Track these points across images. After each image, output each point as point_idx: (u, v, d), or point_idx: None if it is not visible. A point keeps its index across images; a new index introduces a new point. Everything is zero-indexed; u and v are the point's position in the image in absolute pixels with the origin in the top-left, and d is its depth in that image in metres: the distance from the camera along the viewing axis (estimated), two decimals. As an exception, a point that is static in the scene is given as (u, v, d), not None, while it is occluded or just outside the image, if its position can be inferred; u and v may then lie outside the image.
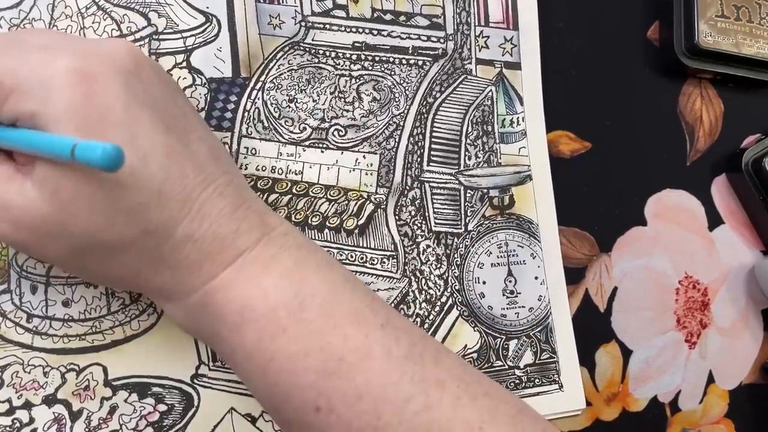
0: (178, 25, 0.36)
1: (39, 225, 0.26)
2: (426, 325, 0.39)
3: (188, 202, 0.27)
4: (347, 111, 0.39)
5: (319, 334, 0.27)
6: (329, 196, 0.38)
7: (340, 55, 0.39)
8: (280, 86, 0.38)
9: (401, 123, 0.40)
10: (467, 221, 0.40)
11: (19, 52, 0.26)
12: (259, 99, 0.38)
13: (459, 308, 0.40)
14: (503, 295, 0.40)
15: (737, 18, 0.43)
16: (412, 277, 0.39)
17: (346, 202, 0.39)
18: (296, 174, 0.38)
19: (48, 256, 0.28)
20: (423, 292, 0.39)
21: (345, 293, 0.29)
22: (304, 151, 0.38)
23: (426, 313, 0.39)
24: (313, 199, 0.38)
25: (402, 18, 0.40)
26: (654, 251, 0.44)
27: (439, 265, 0.40)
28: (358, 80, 0.39)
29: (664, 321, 0.44)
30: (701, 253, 0.45)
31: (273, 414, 0.30)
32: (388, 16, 0.40)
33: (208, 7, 0.37)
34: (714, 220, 0.45)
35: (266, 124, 0.38)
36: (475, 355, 0.40)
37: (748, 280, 0.45)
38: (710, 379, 0.44)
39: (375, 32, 0.40)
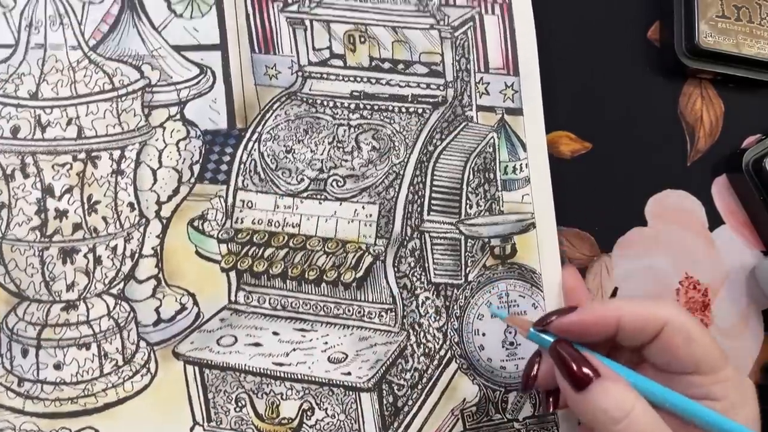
0: (171, 77, 0.36)
1: None
2: (424, 379, 0.39)
3: None
4: (346, 161, 0.38)
5: None
6: (327, 249, 0.38)
7: (338, 104, 0.38)
8: (277, 137, 0.37)
9: (401, 172, 0.39)
10: (467, 272, 0.40)
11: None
12: (255, 150, 0.37)
13: (458, 361, 0.39)
14: (503, 346, 0.40)
15: (738, 18, 0.43)
16: (411, 331, 0.39)
17: (345, 254, 0.38)
18: (293, 227, 0.37)
19: None
20: (421, 345, 0.39)
21: None
22: (302, 202, 0.38)
23: (424, 367, 0.39)
24: (310, 253, 0.38)
25: (400, 66, 0.39)
26: (654, 251, 0.43)
27: (438, 318, 0.39)
28: (356, 129, 0.39)
29: (665, 321, 0.43)
30: (701, 254, 0.44)
31: None
32: (386, 65, 0.39)
33: (202, 59, 0.36)
34: (714, 220, 0.45)
35: (263, 176, 0.37)
36: (474, 409, 0.39)
37: (748, 281, 0.45)
38: (711, 380, 0.44)
39: (373, 81, 0.39)
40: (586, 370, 0.30)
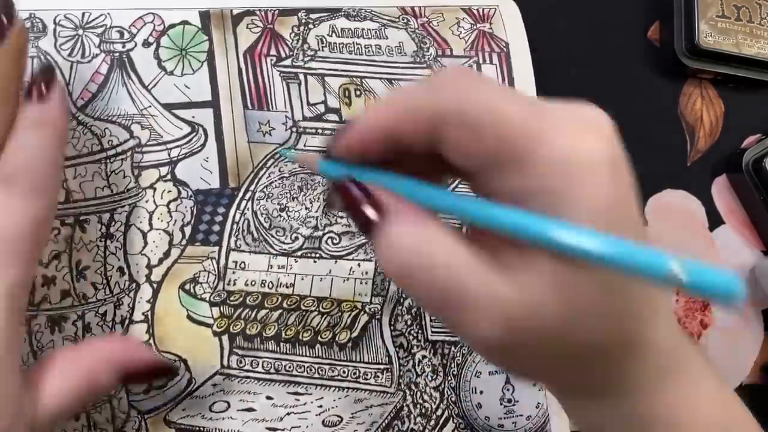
0: (162, 137, 0.35)
1: (534, 328, 0.21)
2: (421, 440, 0.38)
3: (651, 308, 0.24)
4: (341, 217, 0.37)
5: None
6: (322, 309, 0.37)
7: (333, 160, 0.37)
8: (270, 195, 0.36)
9: (397, 227, 0.38)
10: (465, 328, 0.39)
11: (548, 112, 0.22)
12: (248, 209, 0.36)
13: (455, 421, 0.38)
14: (501, 404, 0.39)
15: (738, 18, 0.43)
16: (407, 391, 0.38)
17: (340, 314, 0.37)
18: (287, 287, 0.37)
19: (515, 357, 0.23)
20: (418, 405, 0.38)
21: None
22: (296, 262, 0.37)
23: (421, 428, 0.38)
24: (304, 313, 0.37)
25: (398, 120, 0.38)
26: None
27: (435, 377, 0.38)
28: (352, 185, 0.38)
29: (664, 321, 0.43)
30: (701, 253, 0.44)
31: None
32: (383, 119, 0.38)
33: (194, 117, 0.35)
34: (714, 220, 0.45)
35: (256, 236, 0.36)
36: (471, 468, 0.38)
37: (748, 281, 0.45)
38: (711, 380, 0.44)
39: (370, 135, 0.38)
40: (368, 213, 0.23)
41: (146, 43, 0.34)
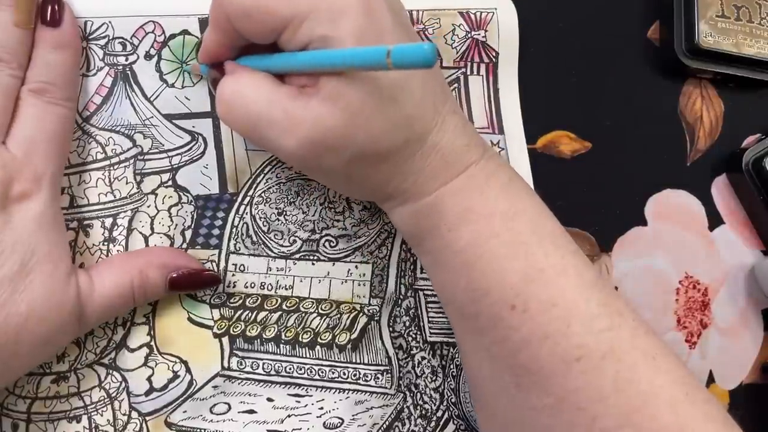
0: (163, 145, 0.36)
1: (323, 138, 0.29)
2: (423, 442, 0.38)
3: (436, 115, 0.31)
4: (338, 221, 0.38)
5: (525, 245, 0.31)
6: (321, 311, 0.37)
7: (329, 165, 0.39)
8: (268, 200, 0.37)
9: (393, 230, 0.39)
10: (463, 329, 0.39)
11: None
12: (247, 214, 0.37)
13: (455, 422, 0.38)
14: (502, 405, 0.39)
15: (737, 18, 0.43)
16: (407, 392, 0.38)
17: (339, 315, 0.38)
18: (286, 289, 0.37)
19: (320, 168, 0.31)
20: (418, 407, 0.38)
21: (547, 217, 0.33)
22: (295, 264, 0.37)
23: (421, 430, 0.38)
24: (304, 315, 0.37)
25: (391, 126, 0.40)
26: (654, 251, 0.43)
27: (434, 378, 0.39)
28: (347, 189, 0.39)
29: (664, 321, 0.43)
30: (701, 253, 0.44)
31: (464, 305, 0.32)
32: (377, 125, 0.39)
33: (194, 126, 0.36)
34: (714, 220, 0.45)
35: (255, 239, 0.37)
36: (475, 471, 0.38)
37: (748, 280, 0.45)
38: (710, 379, 0.44)
39: (364, 141, 0.39)
40: (215, 75, 0.33)
41: (148, 56, 0.35)
